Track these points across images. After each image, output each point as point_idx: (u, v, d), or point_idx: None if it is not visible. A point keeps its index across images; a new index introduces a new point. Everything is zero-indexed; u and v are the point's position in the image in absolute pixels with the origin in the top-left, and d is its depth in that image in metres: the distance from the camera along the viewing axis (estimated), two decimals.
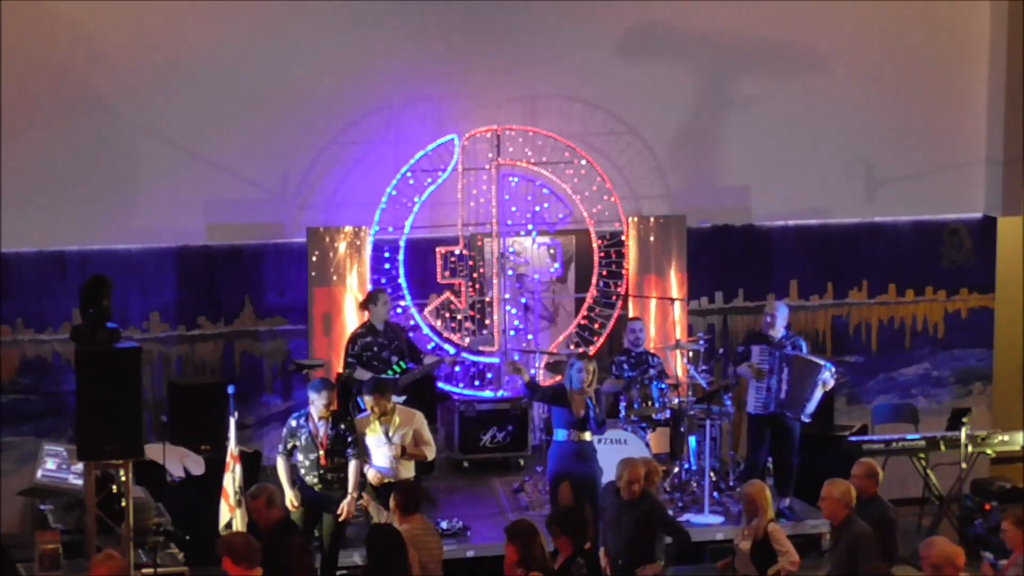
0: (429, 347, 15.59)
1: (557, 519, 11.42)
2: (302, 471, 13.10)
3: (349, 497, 12.96)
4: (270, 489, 11.86)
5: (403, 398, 14.45)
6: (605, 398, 15.02)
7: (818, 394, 14.51)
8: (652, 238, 16.06)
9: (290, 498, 13.00)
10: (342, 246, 15.53)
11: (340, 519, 12.94)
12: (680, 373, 15.39)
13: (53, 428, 15.25)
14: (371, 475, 13.16)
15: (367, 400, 13.15)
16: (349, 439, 13.04)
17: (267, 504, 11.69)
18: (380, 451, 13.18)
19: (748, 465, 14.76)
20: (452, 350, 15.67)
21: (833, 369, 14.64)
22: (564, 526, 11.30)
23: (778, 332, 14.68)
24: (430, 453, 13.40)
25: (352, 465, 13.00)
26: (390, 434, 13.14)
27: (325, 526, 12.97)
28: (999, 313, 17.06)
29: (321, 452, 13.02)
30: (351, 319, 15.49)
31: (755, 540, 11.98)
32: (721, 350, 16.16)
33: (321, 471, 13.03)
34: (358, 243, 15.58)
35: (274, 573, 10.87)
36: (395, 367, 14.61)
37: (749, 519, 12.08)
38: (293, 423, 13.15)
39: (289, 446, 13.14)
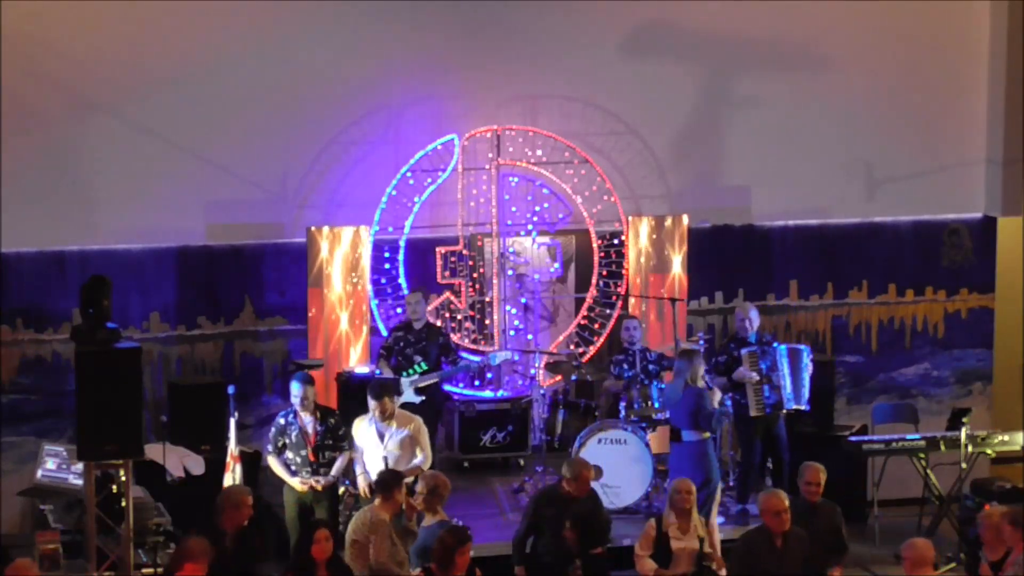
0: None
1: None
2: (293, 468, 13.10)
3: (324, 479, 12.98)
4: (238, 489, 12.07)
5: (421, 398, 14.49)
6: (605, 401, 15.04)
7: (806, 379, 14.64)
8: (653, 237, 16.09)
9: (307, 484, 12.98)
10: (342, 246, 15.52)
11: (301, 487, 12.96)
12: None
13: (53, 428, 15.25)
14: (361, 484, 13.12)
15: (371, 406, 13.12)
16: (340, 432, 13.08)
17: (236, 506, 11.74)
18: (373, 455, 13.16)
19: (745, 466, 14.77)
20: (477, 359, 15.64)
21: (809, 351, 14.87)
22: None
23: (754, 333, 14.74)
24: (426, 464, 13.25)
25: (342, 455, 13.06)
26: (385, 439, 13.11)
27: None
28: (999, 313, 17.05)
29: (309, 448, 13.04)
30: (350, 319, 15.51)
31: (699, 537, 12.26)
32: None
33: (312, 467, 13.05)
34: (358, 243, 15.59)
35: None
36: (416, 367, 14.64)
37: (684, 515, 12.22)
38: (282, 421, 13.18)
39: (279, 444, 13.16)
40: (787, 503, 11.83)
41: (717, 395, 13.93)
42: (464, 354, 15.65)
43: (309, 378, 13.26)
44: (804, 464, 12.65)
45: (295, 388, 13.09)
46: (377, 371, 14.76)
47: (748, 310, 14.82)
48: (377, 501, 12.08)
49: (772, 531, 11.78)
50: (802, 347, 14.90)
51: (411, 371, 14.71)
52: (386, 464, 13.06)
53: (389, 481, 12.13)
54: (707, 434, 13.62)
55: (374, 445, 13.13)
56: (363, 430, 13.19)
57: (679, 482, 12.55)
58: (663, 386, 14.92)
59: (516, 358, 15.76)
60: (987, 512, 11.70)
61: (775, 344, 14.79)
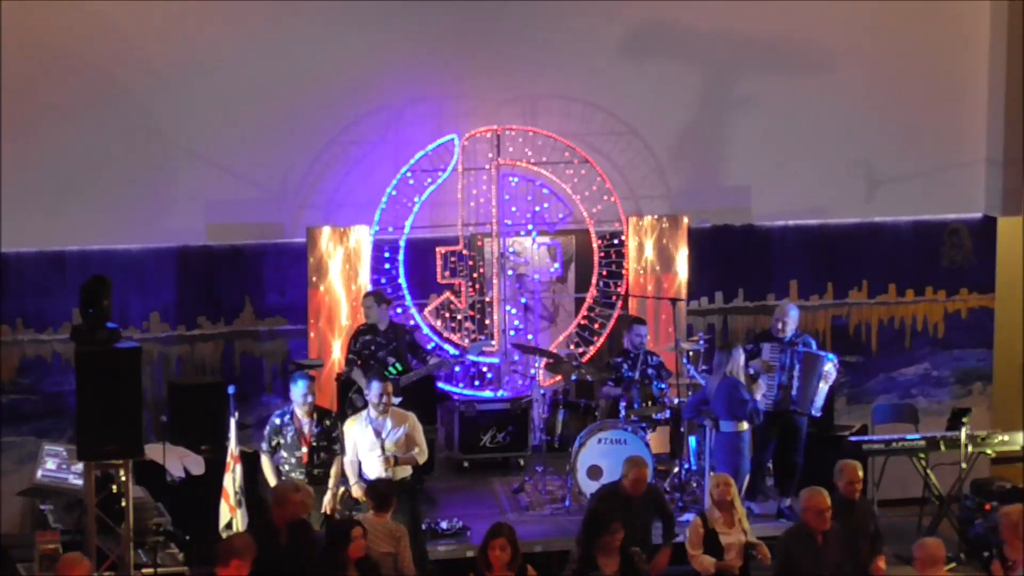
0: (429, 347, 15.60)
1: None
2: (286, 468, 13.10)
3: (330, 492, 13.02)
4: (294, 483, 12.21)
5: (399, 399, 14.46)
6: (605, 402, 15.04)
7: (823, 387, 14.67)
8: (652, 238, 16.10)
9: None
10: (342, 246, 15.53)
11: (324, 512, 12.98)
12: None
13: (53, 428, 15.25)
14: (356, 491, 13.11)
15: (376, 388, 13.11)
16: (335, 434, 13.09)
17: (282, 503, 11.87)
18: (372, 455, 13.14)
19: (754, 464, 14.78)
20: (454, 351, 15.66)
21: (835, 360, 14.83)
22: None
23: (789, 334, 14.79)
24: (421, 457, 13.35)
25: (336, 459, 13.07)
26: (382, 437, 13.12)
27: (314, 523, 12.95)
28: (999, 313, 17.05)
29: (304, 449, 13.04)
30: (350, 319, 15.50)
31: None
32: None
33: (305, 468, 13.05)
34: (358, 243, 15.59)
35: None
36: (391, 368, 14.61)
37: (727, 508, 12.26)
38: (277, 421, 13.18)
39: (273, 443, 13.15)
40: (830, 501, 11.84)
41: (762, 388, 14.06)
42: (445, 345, 15.67)
43: (312, 378, 13.30)
44: (843, 462, 12.59)
45: (302, 386, 13.09)
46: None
47: (787, 313, 14.86)
48: (371, 512, 12.12)
49: (813, 529, 11.79)
50: (823, 354, 14.82)
51: (386, 374, 14.60)
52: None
53: (385, 492, 12.21)
54: (743, 425, 13.82)
55: (371, 445, 13.12)
56: (358, 431, 13.17)
57: (717, 476, 12.68)
58: (663, 386, 14.94)
59: (491, 345, 15.79)
60: (1005, 511, 11.65)
61: (799, 347, 14.77)
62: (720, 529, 12.40)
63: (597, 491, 13.20)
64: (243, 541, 11.10)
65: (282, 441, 13.12)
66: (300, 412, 13.12)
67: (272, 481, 13.03)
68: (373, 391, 13.13)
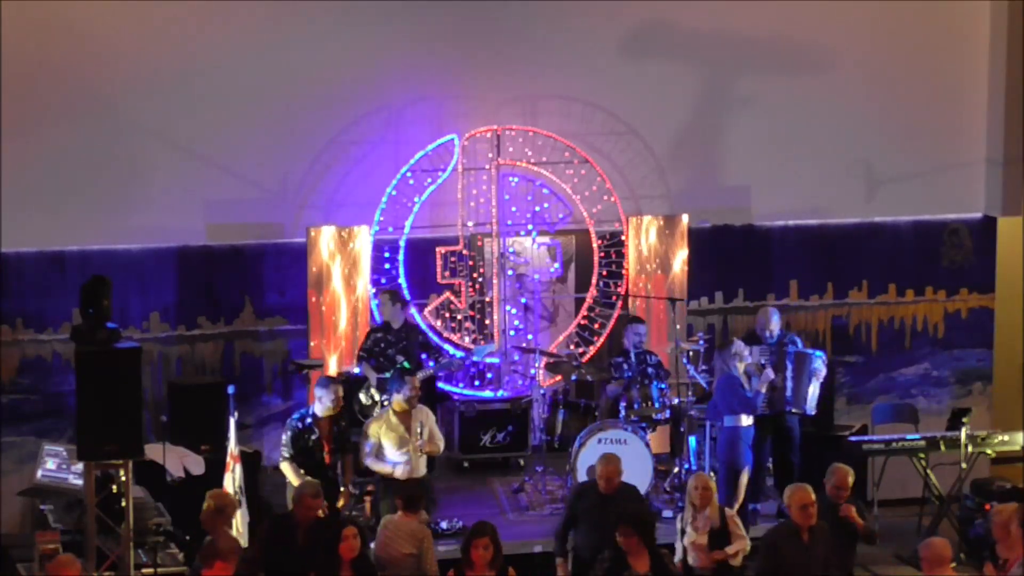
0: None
1: (631, 519, 11.60)
2: (303, 471, 13.10)
3: (345, 489, 13.16)
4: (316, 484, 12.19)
5: None
6: (605, 402, 15.05)
7: (814, 385, 14.64)
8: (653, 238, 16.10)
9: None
10: (340, 252, 15.52)
11: (339, 505, 13.07)
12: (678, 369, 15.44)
13: (53, 428, 15.25)
14: (399, 473, 13.15)
15: (407, 384, 13.12)
16: (347, 434, 13.14)
17: (299, 502, 11.89)
18: (398, 453, 13.16)
19: (754, 465, 14.77)
20: (459, 353, 15.67)
21: (823, 356, 14.81)
22: (638, 526, 11.48)
23: (775, 337, 14.78)
24: (441, 446, 13.56)
25: (347, 460, 13.14)
26: (413, 432, 13.15)
27: None
28: (999, 313, 17.05)
29: (326, 452, 13.07)
30: (348, 326, 15.51)
31: (712, 529, 12.22)
32: None
33: (325, 471, 13.07)
34: (358, 243, 15.59)
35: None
36: (399, 366, 14.63)
37: (702, 509, 12.22)
38: (299, 425, 13.14)
39: (298, 447, 13.12)
40: (813, 497, 11.84)
41: (770, 376, 14.24)
42: (448, 348, 15.68)
43: (335, 379, 13.39)
44: (835, 466, 12.44)
45: (334, 391, 13.11)
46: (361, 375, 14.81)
47: (770, 319, 14.86)
48: (399, 513, 12.14)
49: (798, 525, 11.79)
50: (811, 352, 14.84)
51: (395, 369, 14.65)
52: (408, 460, 13.09)
53: (415, 494, 12.25)
54: (745, 419, 13.87)
55: (401, 443, 13.13)
56: (384, 432, 13.17)
57: (696, 477, 12.62)
58: (663, 386, 14.95)
59: (496, 348, 15.79)
60: (997, 510, 11.64)
61: (789, 347, 14.78)
62: (689, 528, 12.39)
63: (573, 487, 13.18)
64: (227, 543, 11.09)
65: (304, 446, 13.12)
66: (324, 414, 13.11)
67: (296, 484, 13.03)
68: (405, 388, 13.16)
